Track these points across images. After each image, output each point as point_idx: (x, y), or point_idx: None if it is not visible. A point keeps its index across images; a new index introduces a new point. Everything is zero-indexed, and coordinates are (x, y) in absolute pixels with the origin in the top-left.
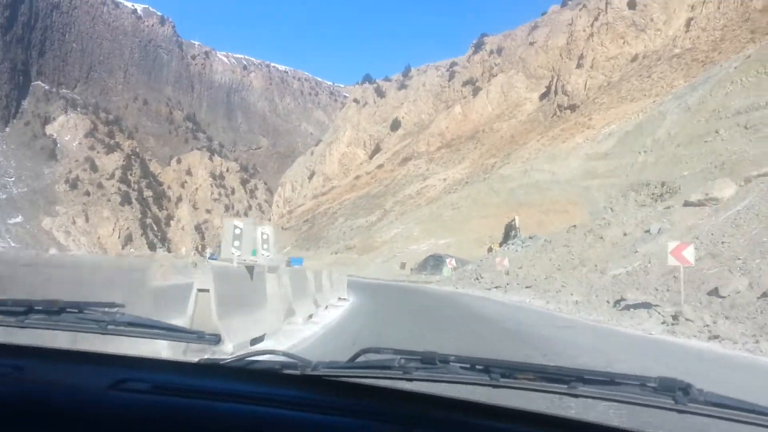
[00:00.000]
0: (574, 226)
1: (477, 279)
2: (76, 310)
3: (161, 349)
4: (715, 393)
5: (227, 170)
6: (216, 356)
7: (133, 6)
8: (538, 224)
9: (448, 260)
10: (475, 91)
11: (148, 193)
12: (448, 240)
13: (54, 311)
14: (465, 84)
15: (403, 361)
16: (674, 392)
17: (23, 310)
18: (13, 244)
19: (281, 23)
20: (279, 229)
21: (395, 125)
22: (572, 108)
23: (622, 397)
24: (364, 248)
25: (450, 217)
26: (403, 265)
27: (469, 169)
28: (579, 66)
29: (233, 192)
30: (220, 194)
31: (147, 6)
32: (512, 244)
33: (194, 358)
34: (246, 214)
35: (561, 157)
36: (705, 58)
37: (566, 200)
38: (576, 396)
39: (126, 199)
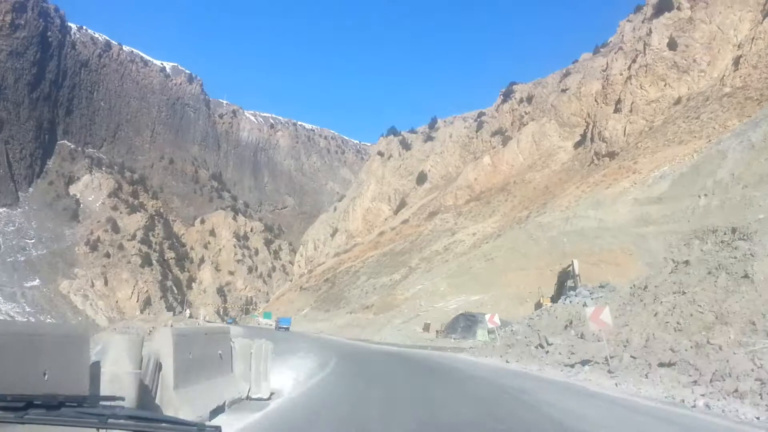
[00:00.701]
0: (686, 262)
1: (540, 346)
2: (76, 404)
3: None
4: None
5: (251, 230)
6: None
7: (161, 64)
8: (585, 277)
9: (488, 317)
10: (505, 141)
11: (170, 254)
12: (481, 296)
13: (53, 406)
14: (494, 134)
15: None
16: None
17: (22, 405)
18: (27, 309)
19: (307, 82)
20: (298, 290)
21: (421, 178)
22: (611, 155)
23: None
24: (382, 307)
25: (482, 270)
26: (426, 327)
27: (500, 223)
28: (617, 111)
29: (257, 253)
30: (243, 255)
31: (176, 64)
32: (573, 296)
33: None
34: (269, 276)
35: (606, 203)
36: (759, 95)
37: (619, 249)
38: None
39: (146, 261)
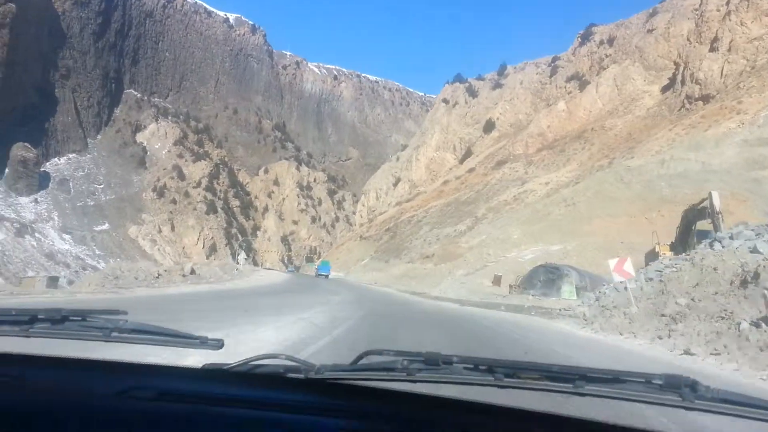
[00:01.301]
0: None
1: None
2: (80, 318)
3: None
4: (723, 389)
5: (315, 180)
6: (220, 360)
7: (225, 15)
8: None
9: (614, 264)
10: (582, 86)
11: (234, 202)
12: (562, 245)
13: (57, 320)
14: (569, 79)
15: (406, 362)
16: (681, 389)
17: (27, 320)
18: (98, 252)
19: (371, 33)
20: (358, 240)
21: (489, 126)
22: (705, 98)
23: (628, 396)
24: (443, 256)
25: (562, 217)
26: (497, 280)
27: (576, 172)
28: (713, 50)
29: (320, 203)
30: (307, 205)
31: (239, 15)
32: (716, 240)
33: (198, 363)
34: (333, 226)
35: (708, 145)
36: None
37: (730, 194)
38: (582, 395)
39: (212, 208)
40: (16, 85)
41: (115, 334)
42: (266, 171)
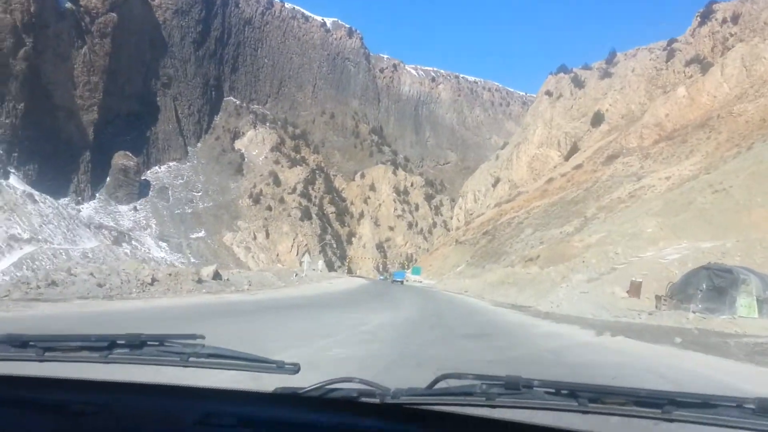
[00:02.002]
0: None
1: None
2: (158, 343)
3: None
4: None
5: (412, 185)
6: (294, 384)
7: (322, 20)
8: None
9: None
10: (705, 69)
11: (330, 208)
12: (719, 242)
13: (136, 345)
14: (689, 63)
15: (485, 386)
16: None
17: (106, 345)
18: (192, 259)
19: (470, 32)
20: (453, 245)
21: (597, 119)
22: None
23: (719, 421)
24: (551, 258)
25: (711, 206)
26: (635, 289)
27: (701, 164)
28: None
29: (417, 208)
30: (403, 211)
31: (336, 19)
32: None
33: (271, 387)
34: (430, 232)
35: None
36: None
37: None
38: (670, 421)
39: (306, 215)
40: (118, 94)
41: (192, 359)
42: (362, 176)
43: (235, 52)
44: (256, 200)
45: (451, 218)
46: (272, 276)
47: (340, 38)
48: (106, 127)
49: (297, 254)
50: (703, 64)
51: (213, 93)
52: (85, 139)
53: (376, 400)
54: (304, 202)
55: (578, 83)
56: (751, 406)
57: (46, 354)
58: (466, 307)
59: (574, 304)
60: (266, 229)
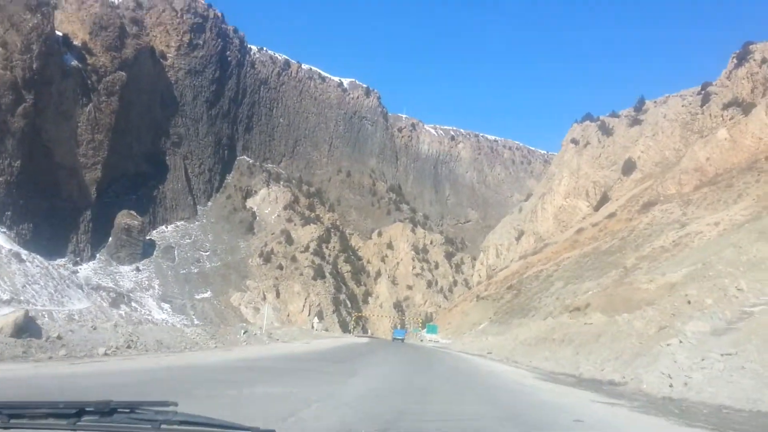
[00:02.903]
0: None
1: None
2: (128, 410)
3: None
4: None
5: (431, 243)
6: None
7: (339, 80)
8: None
9: None
10: (746, 110)
11: (345, 267)
12: None
13: (106, 412)
14: (727, 106)
15: None
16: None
17: (74, 412)
18: (196, 321)
19: (489, 91)
20: (474, 300)
21: (629, 167)
22: None
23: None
24: (609, 306)
25: None
26: None
27: (752, 209)
28: None
29: (437, 266)
30: (422, 269)
31: (353, 79)
32: None
33: None
34: (450, 290)
35: None
36: None
37: None
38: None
39: (319, 273)
40: (126, 152)
41: (164, 426)
42: (380, 234)
43: (250, 112)
44: (267, 259)
45: (474, 270)
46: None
47: (357, 98)
48: (110, 186)
49: (309, 314)
50: (743, 106)
51: (225, 152)
52: (87, 198)
53: None
54: (318, 260)
55: (606, 131)
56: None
57: (12, 421)
58: (487, 382)
59: (723, 378)
60: (277, 288)
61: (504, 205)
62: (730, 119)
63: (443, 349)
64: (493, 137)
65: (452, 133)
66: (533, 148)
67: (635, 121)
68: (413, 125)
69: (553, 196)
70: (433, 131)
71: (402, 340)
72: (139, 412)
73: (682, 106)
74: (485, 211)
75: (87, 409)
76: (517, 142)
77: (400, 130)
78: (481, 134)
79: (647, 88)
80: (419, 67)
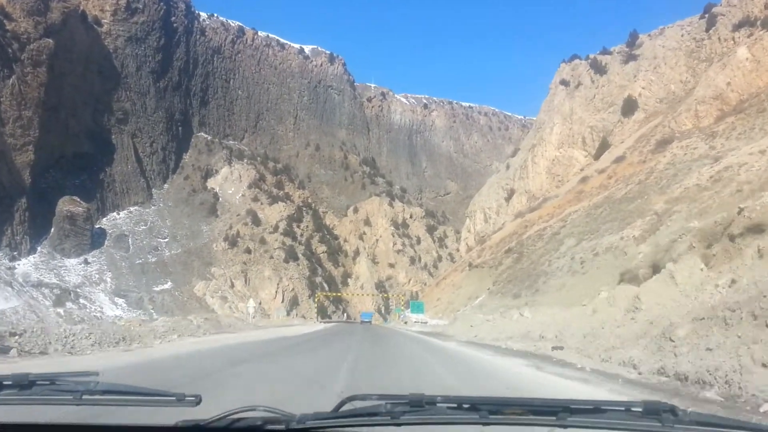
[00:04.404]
0: None
1: None
2: (48, 382)
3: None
4: (701, 412)
5: (411, 217)
6: (197, 416)
7: (300, 47)
8: None
9: None
10: (766, 24)
11: (320, 248)
12: None
13: (25, 385)
14: (738, 27)
15: (389, 405)
16: (660, 414)
17: None
18: (155, 316)
19: (459, 56)
20: (466, 270)
21: (629, 107)
22: None
23: (609, 425)
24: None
25: None
26: None
27: None
28: None
29: (419, 242)
30: (404, 245)
31: (315, 46)
32: None
33: (172, 421)
34: (435, 266)
35: None
36: None
37: None
38: (565, 426)
39: (291, 255)
40: (62, 131)
41: (86, 396)
42: (355, 210)
43: (204, 84)
44: (233, 243)
45: (459, 243)
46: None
47: (321, 65)
48: (48, 170)
49: (283, 300)
50: (763, 20)
51: (180, 129)
52: (20, 184)
53: (282, 427)
54: (289, 241)
55: (599, 69)
56: (638, 409)
57: None
58: None
59: None
60: (245, 274)
61: (484, 174)
62: (749, 36)
63: (436, 338)
64: (467, 104)
65: (425, 101)
66: (510, 114)
67: (630, 57)
68: (383, 94)
69: (544, 147)
70: (404, 100)
71: (369, 322)
72: (60, 384)
73: (682, 35)
74: (465, 182)
75: (5, 383)
76: (492, 108)
77: (369, 99)
78: (455, 102)
79: (637, 23)
80: (386, 36)
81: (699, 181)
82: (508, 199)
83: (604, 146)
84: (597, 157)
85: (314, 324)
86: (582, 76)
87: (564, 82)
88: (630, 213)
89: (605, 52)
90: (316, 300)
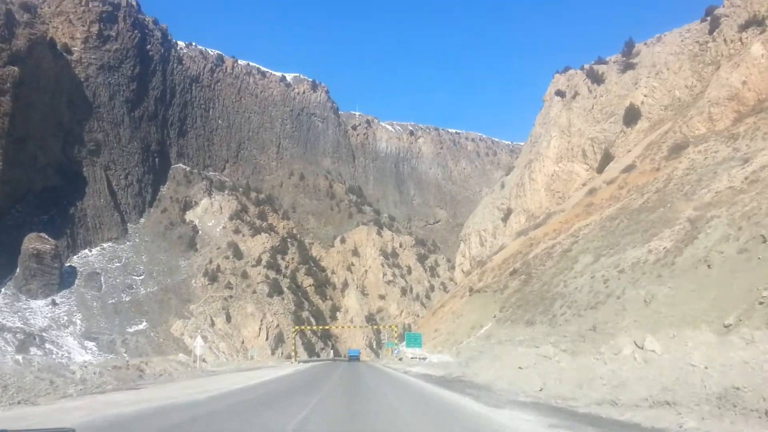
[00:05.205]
0: None
1: None
2: None
3: None
4: None
5: (401, 246)
6: None
7: (281, 75)
8: None
9: None
10: None
11: (306, 281)
12: None
13: None
14: (745, 27)
15: None
16: None
17: None
18: (128, 359)
19: (444, 84)
20: (466, 296)
21: (631, 116)
22: None
23: None
24: None
25: None
26: None
27: None
28: None
29: (410, 271)
30: (394, 275)
31: (297, 74)
32: None
33: None
34: (427, 297)
35: None
36: None
37: None
38: None
39: (275, 289)
40: (29, 164)
41: None
42: (343, 240)
43: (182, 113)
44: (213, 278)
45: (454, 271)
46: None
47: (303, 92)
48: (14, 206)
49: (267, 338)
50: None
51: (156, 160)
52: None
53: None
54: (273, 274)
55: (596, 78)
56: None
57: None
58: None
59: None
60: (226, 311)
61: (473, 200)
62: (761, 33)
63: (461, 392)
64: (454, 130)
65: (411, 128)
66: (497, 139)
67: (628, 66)
68: (368, 122)
69: (542, 163)
70: (390, 128)
71: (358, 359)
72: None
73: (683, 40)
74: (454, 209)
75: None
76: (480, 134)
77: (354, 127)
78: (441, 128)
79: (632, 33)
80: (369, 64)
81: (732, 183)
82: (505, 219)
83: (607, 158)
84: (600, 170)
85: (289, 365)
86: (579, 86)
87: (560, 93)
88: (653, 223)
89: (601, 61)
90: (294, 333)
